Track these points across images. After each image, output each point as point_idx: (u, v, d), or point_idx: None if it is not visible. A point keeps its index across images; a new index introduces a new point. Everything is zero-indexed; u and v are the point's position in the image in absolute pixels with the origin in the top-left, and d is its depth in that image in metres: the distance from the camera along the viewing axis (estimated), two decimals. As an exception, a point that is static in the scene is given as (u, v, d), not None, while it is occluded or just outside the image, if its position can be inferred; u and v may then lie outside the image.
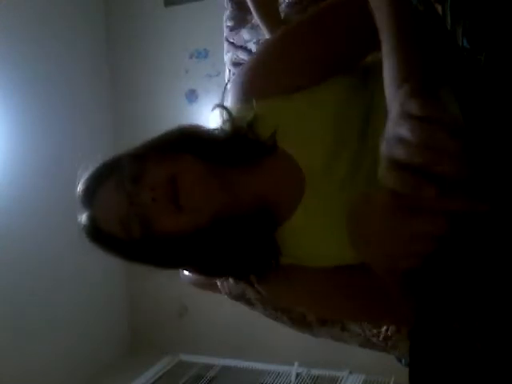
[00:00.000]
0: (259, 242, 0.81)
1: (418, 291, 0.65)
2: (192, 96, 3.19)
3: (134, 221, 0.75)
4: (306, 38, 0.83)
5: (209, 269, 0.85)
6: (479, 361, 0.60)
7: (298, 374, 2.78)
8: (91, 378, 3.00)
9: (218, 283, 1.35)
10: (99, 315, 3.17)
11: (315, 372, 2.78)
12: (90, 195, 0.79)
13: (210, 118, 0.88)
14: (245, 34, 1.76)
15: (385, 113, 0.60)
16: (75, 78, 3.11)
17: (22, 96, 2.76)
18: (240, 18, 1.77)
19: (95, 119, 3.24)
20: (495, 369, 0.60)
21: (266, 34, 1.55)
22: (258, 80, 0.84)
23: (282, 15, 1.59)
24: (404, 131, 0.53)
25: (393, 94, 0.63)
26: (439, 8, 0.77)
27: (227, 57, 1.82)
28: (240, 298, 1.35)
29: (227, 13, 1.81)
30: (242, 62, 1.74)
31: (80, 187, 0.81)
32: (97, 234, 0.79)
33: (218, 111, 0.86)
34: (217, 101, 0.89)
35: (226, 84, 0.99)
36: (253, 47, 1.72)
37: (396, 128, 0.54)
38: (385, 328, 1.27)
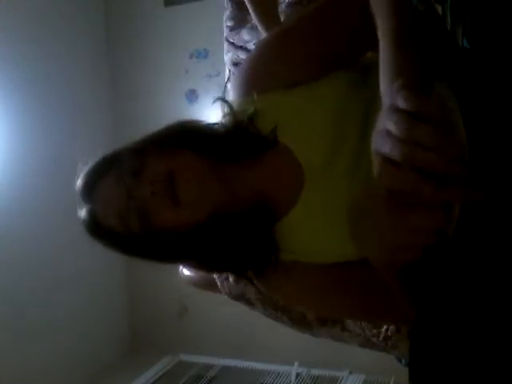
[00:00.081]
0: (258, 238, 0.81)
1: (418, 291, 0.65)
2: (192, 96, 3.19)
3: (132, 215, 0.76)
4: (306, 34, 0.83)
5: (207, 263, 0.85)
6: (479, 361, 0.60)
7: (298, 374, 2.78)
8: (91, 378, 3.01)
9: (218, 283, 1.35)
10: (99, 315, 3.17)
11: (315, 372, 2.78)
12: (90, 189, 0.79)
13: (210, 118, 0.89)
14: (245, 34, 1.76)
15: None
16: (75, 78, 3.11)
17: (22, 96, 2.77)
18: (240, 18, 1.77)
19: (95, 119, 3.24)
20: (495, 369, 0.60)
21: (263, 34, 1.55)
22: (259, 74, 0.84)
23: (282, 15, 1.59)
24: (389, 124, 0.53)
25: (386, 89, 0.63)
26: (439, 8, 0.78)
27: (227, 57, 1.82)
28: (240, 298, 1.35)
29: (227, 13, 1.81)
30: (242, 62, 1.74)
31: (80, 181, 0.81)
32: (96, 228, 0.79)
33: (218, 109, 0.86)
34: (217, 101, 0.89)
35: (226, 83, 0.99)
36: (253, 47, 1.72)
37: (384, 121, 0.54)
38: (385, 328, 1.27)
